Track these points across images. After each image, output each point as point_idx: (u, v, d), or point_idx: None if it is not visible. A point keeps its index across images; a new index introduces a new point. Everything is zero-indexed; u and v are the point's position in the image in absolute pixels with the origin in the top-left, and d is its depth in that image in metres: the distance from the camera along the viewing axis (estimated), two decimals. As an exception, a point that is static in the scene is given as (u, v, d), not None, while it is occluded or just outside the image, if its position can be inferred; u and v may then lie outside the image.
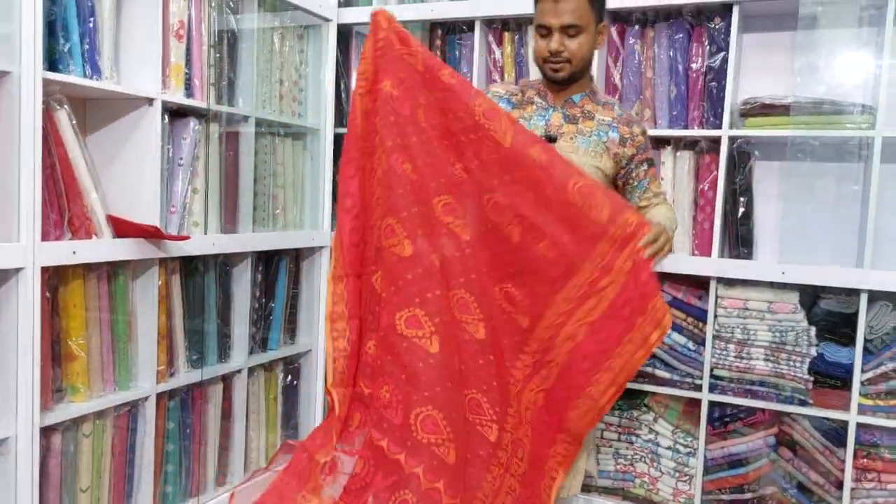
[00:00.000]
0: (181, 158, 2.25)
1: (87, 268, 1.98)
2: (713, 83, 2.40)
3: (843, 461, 2.26)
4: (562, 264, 1.82)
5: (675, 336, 2.44)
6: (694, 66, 2.43)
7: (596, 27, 1.89)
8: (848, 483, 2.25)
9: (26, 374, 1.75)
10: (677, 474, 2.47)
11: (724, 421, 2.41)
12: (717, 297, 2.38)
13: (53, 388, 1.92)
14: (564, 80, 1.91)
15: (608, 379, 1.81)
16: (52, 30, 1.85)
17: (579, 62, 1.89)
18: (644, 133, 2.00)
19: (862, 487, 2.26)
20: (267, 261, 2.69)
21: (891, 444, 2.24)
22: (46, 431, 1.86)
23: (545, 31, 1.87)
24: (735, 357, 2.36)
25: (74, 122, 1.90)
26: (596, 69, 2.45)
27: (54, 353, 1.92)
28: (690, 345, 2.44)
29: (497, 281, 1.90)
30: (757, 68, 2.49)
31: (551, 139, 1.93)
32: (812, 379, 2.29)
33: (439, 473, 1.79)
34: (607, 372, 1.81)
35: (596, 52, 2.08)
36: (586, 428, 1.89)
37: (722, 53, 2.37)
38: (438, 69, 1.90)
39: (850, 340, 2.26)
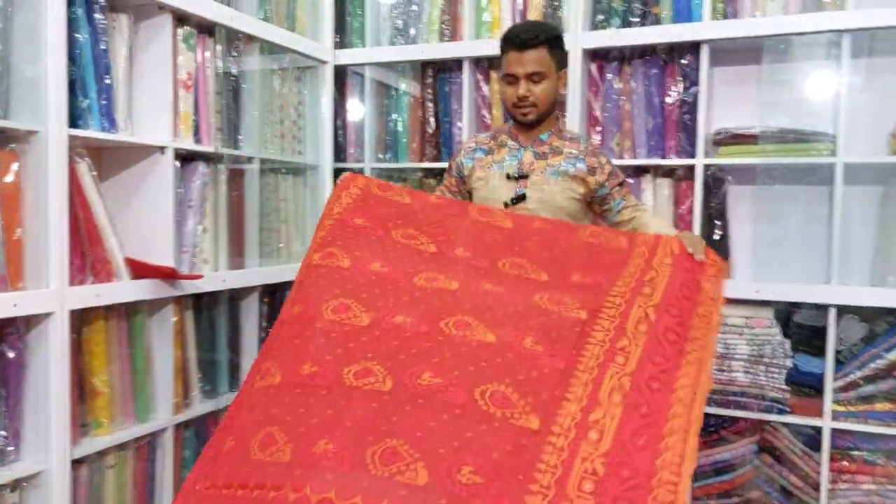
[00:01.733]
0: (191, 200, 2.38)
1: (108, 308, 2.11)
2: (687, 115, 2.58)
3: (820, 465, 2.42)
4: (600, 275, 1.81)
5: (660, 352, 2.60)
6: (668, 99, 2.61)
7: (557, 73, 2.07)
8: (825, 485, 2.41)
9: (59, 412, 1.87)
10: (667, 483, 2.62)
11: (709, 431, 2.57)
12: (697, 314, 2.54)
13: (79, 423, 2.04)
14: (533, 122, 2.09)
15: (698, 352, 1.67)
16: (72, 88, 1.98)
17: (544, 105, 2.06)
18: (609, 161, 2.15)
19: (838, 489, 2.42)
20: (272, 292, 2.83)
21: (863, 447, 2.40)
22: (74, 464, 1.97)
23: (512, 79, 2.05)
24: (717, 370, 2.52)
25: (95, 172, 2.04)
26: (578, 103, 2.63)
27: (80, 390, 2.04)
28: (675, 360, 2.59)
29: (534, 291, 1.80)
30: (727, 100, 2.67)
31: (523, 176, 2.09)
32: (789, 389, 2.46)
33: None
34: (692, 342, 1.69)
35: (568, 91, 2.29)
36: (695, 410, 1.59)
37: (694, 88, 2.54)
38: (425, 195, 2.04)
39: (821, 351, 2.43)
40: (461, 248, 1.88)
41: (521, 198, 2.08)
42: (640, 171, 2.68)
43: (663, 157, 2.61)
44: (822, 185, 2.51)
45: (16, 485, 1.85)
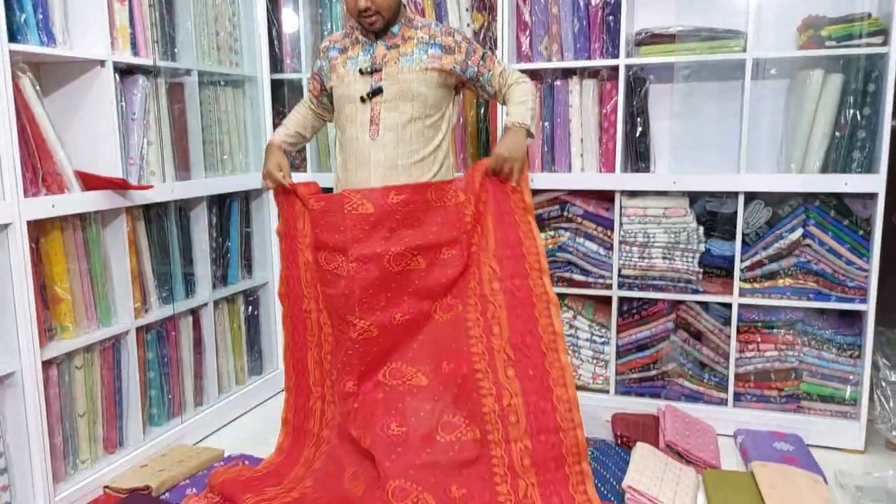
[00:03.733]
0: (134, 113, 2.44)
1: (63, 220, 2.20)
2: (610, 17, 2.70)
3: (729, 337, 2.71)
4: (454, 245, 2.16)
5: (588, 244, 2.82)
6: (593, 1, 2.72)
7: None
8: (733, 354, 2.71)
9: (24, 316, 2.00)
10: (595, 361, 2.90)
11: (631, 313, 2.83)
12: (621, 207, 2.75)
13: (45, 327, 2.17)
14: (380, 29, 2.15)
15: (538, 267, 2.13)
16: (8, 2, 2.00)
17: (388, 11, 2.10)
18: (465, 38, 2.22)
19: (745, 356, 2.72)
20: (220, 204, 2.93)
21: (765, 319, 2.69)
22: (44, 365, 2.11)
23: None
24: (638, 258, 2.76)
25: (38, 87, 2.09)
26: (507, 7, 2.73)
27: (43, 297, 2.16)
28: (601, 250, 2.82)
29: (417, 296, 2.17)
30: (647, 2, 2.80)
31: (377, 69, 2.15)
32: (702, 271, 2.71)
33: None
34: (529, 261, 2.13)
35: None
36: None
37: (616, -10, 2.67)
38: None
39: (731, 236, 2.68)
40: (354, 254, 2.11)
41: (377, 91, 2.12)
42: (567, 73, 2.82)
43: (589, 58, 2.75)
44: (734, 80, 2.70)
45: (-9, 384, 1.99)
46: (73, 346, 2.21)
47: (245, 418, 2.99)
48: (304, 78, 3.12)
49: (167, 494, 2.24)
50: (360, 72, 2.16)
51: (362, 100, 2.14)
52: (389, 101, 2.13)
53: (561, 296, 2.95)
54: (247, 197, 3.11)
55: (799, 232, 2.60)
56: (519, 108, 2.18)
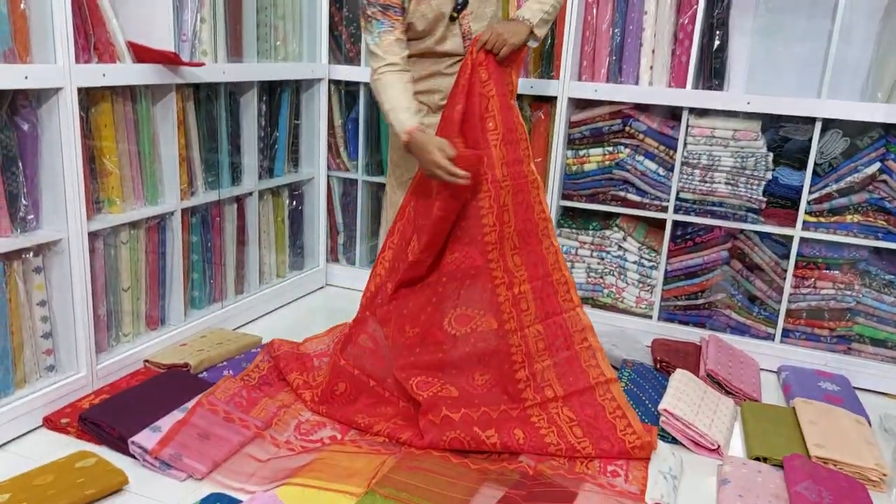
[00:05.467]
0: (189, -12, 2.36)
1: (114, 92, 2.16)
2: (699, -82, 2.49)
3: (785, 271, 2.60)
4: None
5: (648, 163, 2.70)
6: None
7: None
8: (787, 289, 2.61)
9: (72, 185, 1.98)
10: (641, 285, 2.82)
11: (685, 238, 2.73)
12: (687, 126, 2.61)
13: (93, 199, 2.16)
14: None
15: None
16: None
17: None
18: None
19: (799, 293, 2.62)
20: (270, 92, 2.86)
21: (826, 256, 2.57)
22: (90, 237, 2.11)
23: None
24: (700, 181, 2.63)
25: (92, -50, 2.01)
26: None
27: (91, 168, 2.14)
28: (661, 171, 2.70)
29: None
30: None
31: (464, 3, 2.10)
32: (766, 200, 2.58)
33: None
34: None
35: None
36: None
37: None
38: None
39: (802, 165, 2.53)
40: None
41: (463, 5, 2.10)
42: (645, -23, 2.63)
43: (670, -38, 2.56)
44: (826, -3, 2.50)
45: (38, 250, 2.00)
46: (119, 220, 2.21)
47: (283, 310, 3.01)
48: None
49: (205, 373, 2.27)
50: None
51: (451, 18, 2.10)
52: (475, 11, 2.11)
53: (612, 215, 2.85)
54: (297, 88, 3.03)
55: (876, 166, 2.44)
56: (534, 6, 2.12)
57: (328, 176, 3.24)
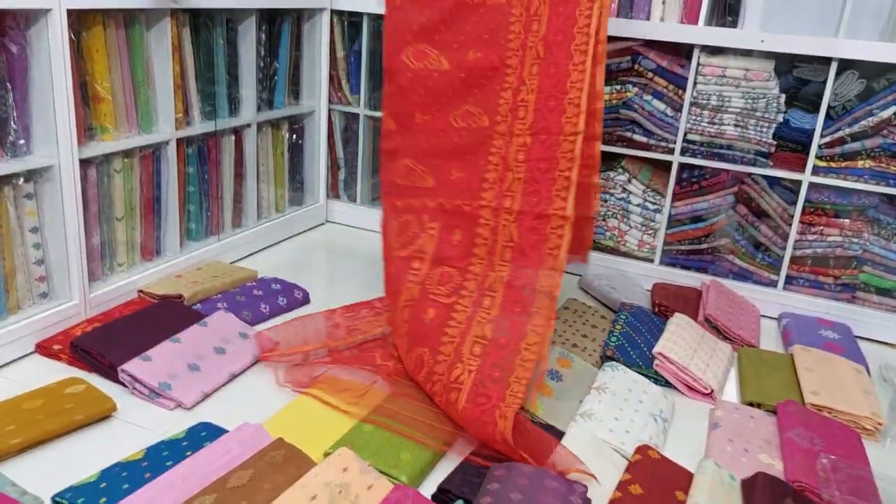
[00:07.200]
0: None
1: (106, 15, 2.09)
2: None
3: (792, 217, 2.55)
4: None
5: (655, 102, 2.62)
6: None
7: None
8: (793, 235, 2.56)
9: (63, 110, 1.94)
10: (644, 228, 2.77)
11: (691, 181, 2.67)
12: (698, 64, 2.52)
13: (85, 126, 2.12)
14: None
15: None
16: None
17: None
18: None
19: (805, 239, 2.57)
20: (270, 21, 2.78)
21: (835, 202, 2.51)
22: (83, 164, 2.08)
23: None
24: (708, 123, 2.56)
25: None
26: None
27: (83, 94, 2.10)
28: (669, 111, 2.62)
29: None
30: None
31: None
32: (775, 143, 2.51)
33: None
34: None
35: None
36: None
37: None
38: None
39: (815, 108, 2.45)
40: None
41: None
42: None
43: None
44: (850, -70, 2.37)
45: (29, 175, 1.97)
46: (112, 147, 2.17)
47: (282, 245, 2.99)
48: None
49: (199, 305, 2.26)
50: None
51: None
52: None
53: (618, 156, 2.79)
54: (299, 17, 2.94)
55: (892, 110, 2.35)
56: None
57: (329, 109, 3.17)
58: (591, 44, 1.91)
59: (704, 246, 2.71)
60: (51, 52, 1.89)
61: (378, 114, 3.14)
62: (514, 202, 1.97)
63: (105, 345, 1.90)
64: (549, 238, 1.91)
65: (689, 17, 2.51)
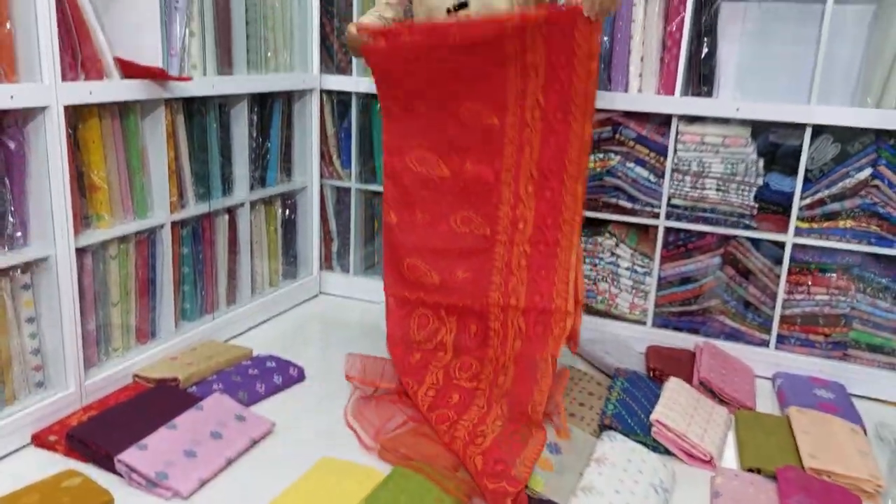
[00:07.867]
0: (177, 2, 2.35)
1: (101, 108, 2.16)
2: (686, -76, 2.48)
3: (779, 277, 2.59)
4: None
5: (638, 170, 2.69)
6: None
7: None
8: (781, 295, 2.59)
9: (60, 202, 1.98)
10: (634, 291, 2.81)
11: (677, 244, 2.72)
12: (677, 133, 2.60)
13: (81, 215, 2.16)
14: None
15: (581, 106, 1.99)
16: None
17: None
18: None
19: (793, 299, 2.60)
20: (261, 103, 2.86)
21: (819, 262, 2.56)
22: (79, 253, 2.11)
23: None
24: (690, 188, 2.63)
25: (76, -34, 2.01)
26: None
27: (79, 185, 2.14)
28: (651, 177, 2.69)
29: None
30: None
31: None
32: (757, 206, 2.57)
33: None
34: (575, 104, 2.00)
35: None
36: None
37: None
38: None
39: (793, 171, 2.52)
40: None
41: (462, 5, 2.10)
42: (633, -15, 2.62)
43: (657, -31, 2.55)
44: (814, 2, 2.48)
45: (26, 267, 2.00)
46: (108, 235, 2.21)
47: (276, 320, 3.01)
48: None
49: (194, 388, 2.27)
50: None
51: (448, 11, 2.11)
52: (473, 14, 2.10)
53: (605, 222, 2.84)
54: (289, 98, 3.03)
55: (868, 172, 2.43)
56: None
57: (322, 184, 3.24)
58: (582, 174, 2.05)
59: (695, 307, 2.74)
60: (48, 147, 1.94)
61: (369, 186, 3.21)
62: (519, 301, 2.16)
63: (101, 434, 1.90)
64: (554, 330, 2.09)
65: (666, 88, 2.60)
